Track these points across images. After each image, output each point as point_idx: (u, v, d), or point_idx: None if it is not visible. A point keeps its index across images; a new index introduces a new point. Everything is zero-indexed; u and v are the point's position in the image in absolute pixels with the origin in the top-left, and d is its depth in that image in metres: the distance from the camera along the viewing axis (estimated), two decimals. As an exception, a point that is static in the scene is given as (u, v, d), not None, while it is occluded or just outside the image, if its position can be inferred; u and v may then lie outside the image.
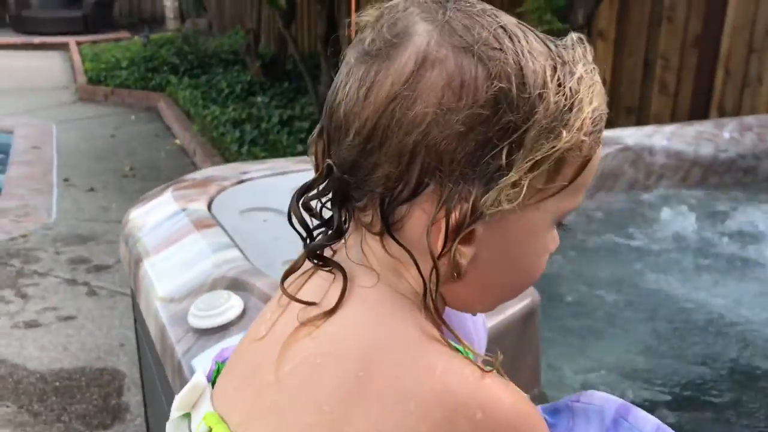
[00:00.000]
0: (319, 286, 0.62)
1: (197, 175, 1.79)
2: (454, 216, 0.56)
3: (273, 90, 6.18)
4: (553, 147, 0.55)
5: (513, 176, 0.55)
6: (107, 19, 11.44)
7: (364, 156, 0.57)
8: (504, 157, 0.55)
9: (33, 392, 2.56)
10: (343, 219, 0.61)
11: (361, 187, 0.59)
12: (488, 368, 0.58)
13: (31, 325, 2.99)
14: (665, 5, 4.17)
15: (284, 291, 0.63)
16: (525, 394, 0.60)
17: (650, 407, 1.68)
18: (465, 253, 0.58)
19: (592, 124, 0.57)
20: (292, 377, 0.59)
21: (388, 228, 0.58)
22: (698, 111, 3.96)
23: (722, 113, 3.81)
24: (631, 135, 2.36)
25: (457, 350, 0.64)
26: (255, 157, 4.62)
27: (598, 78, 0.60)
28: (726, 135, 2.47)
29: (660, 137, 2.38)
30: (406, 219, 0.58)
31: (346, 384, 0.57)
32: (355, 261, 0.62)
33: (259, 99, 5.86)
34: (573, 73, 0.58)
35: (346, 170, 0.59)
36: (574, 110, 0.56)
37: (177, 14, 10.60)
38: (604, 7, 4.42)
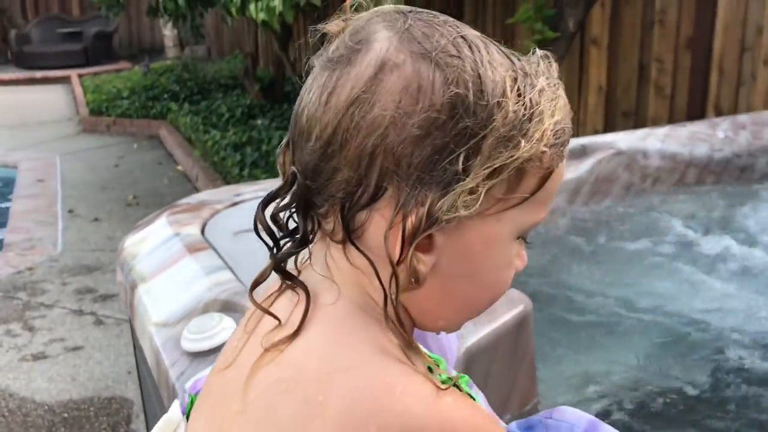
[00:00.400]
0: (285, 307, 0.62)
1: (191, 199, 1.81)
2: (411, 220, 0.56)
3: (273, 112, 6.22)
4: (512, 156, 0.56)
5: (470, 182, 0.55)
6: (108, 50, 11.55)
7: (325, 160, 0.58)
8: (461, 162, 0.55)
9: (42, 425, 2.56)
10: (309, 227, 0.62)
11: (322, 193, 0.59)
12: (447, 384, 0.58)
13: (39, 357, 3.00)
14: (656, 8, 4.19)
15: (252, 300, 0.63)
16: (486, 412, 0.61)
17: (645, 415, 1.68)
18: (424, 261, 0.58)
19: (554, 136, 0.58)
20: (257, 405, 0.59)
21: (349, 234, 0.58)
22: (695, 112, 3.97)
23: (719, 113, 3.81)
24: (623, 139, 2.36)
25: (430, 359, 0.64)
26: (256, 179, 4.65)
27: (562, 93, 0.60)
28: (720, 134, 2.47)
29: (654, 140, 2.38)
30: (367, 225, 0.58)
31: (307, 410, 0.57)
32: (319, 273, 0.62)
33: (259, 122, 5.90)
34: (534, 85, 0.58)
35: (308, 176, 0.59)
36: (534, 121, 0.57)
37: (176, 42, 10.70)
38: (595, 14, 4.44)
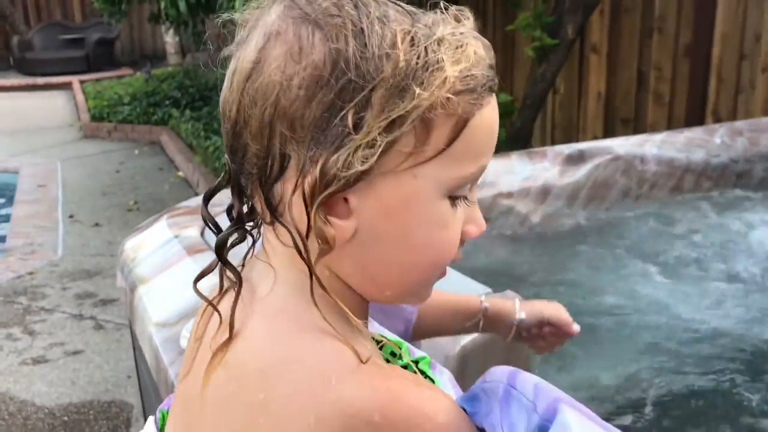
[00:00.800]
0: (229, 303, 0.61)
1: (191, 202, 1.82)
2: (308, 182, 0.55)
3: (273, 119, 6.23)
4: (408, 106, 0.54)
5: (363, 137, 0.54)
6: (109, 57, 11.59)
7: (236, 138, 0.59)
8: (351, 118, 0.55)
9: (42, 428, 2.57)
10: (245, 211, 0.62)
11: (243, 173, 0.60)
12: (397, 362, 0.57)
13: (39, 361, 3.01)
14: (655, 16, 4.21)
15: (197, 291, 0.62)
16: (440, 394, 0.59)
17: (646, 417, 1.69)
18: (341, 226, 0.57)
19: (460, 83, 0.56)
20: (212, 410, 0.59)
21: (271, 211, 0.58)
22: (694, 119, 3.99)
23: (717, 120, 3.83)
24: (621, 144, 2.38)
25: (392, 342, 0.66)
26: (257, 186, 4.66)
27: (473, 42, 0.58)
28: (717, 140, 2.48)
29: (651, 145, 2.40)
30: (285, 198, 0.58)
31: (251, 410, 0.56)
32: (260, 259, 0.62)
33: (259, 128, 5.91)
34: (432, 35, 0.56)
35: (230, 157, 0.60)
36: (431, 69, 0.55)
37: (178, 49, 10.74)
38: (595, 22, 4.47)
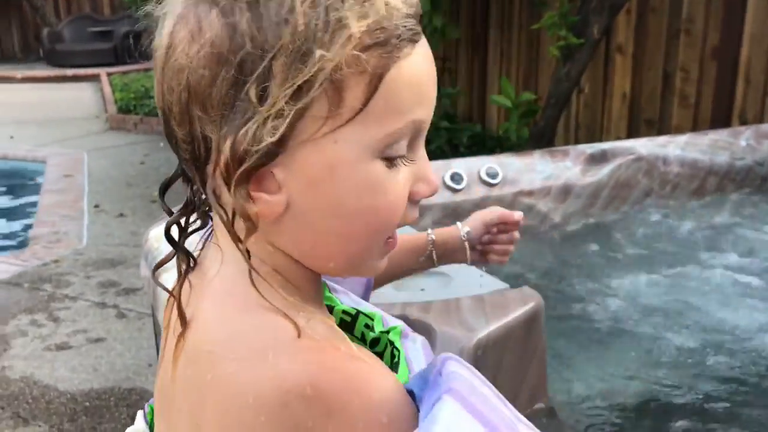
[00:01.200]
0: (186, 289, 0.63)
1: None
2: (222, 161, 0.55)
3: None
4: (312, 69, 0.53)
5: (268, 108, 0.54)
6: (137, 49, 11.71)
7: (167, 126, 0.60)
8: (254, 91, 0.54)
9: (64, 412, 2.62)
10: (194, 197, 0.64)
11: (180, 159, 0.61)
12: (369, 333, 0.57)
13: (62, 347, 3.07)
14: (683, 17, 4.18)
15: (156, 281, 0.65)
16: (376, 365, 0.57)
17: (656, 416, 1.68)
18: (269, 201, 0.57)
19: (369, 37, 0.54)
20: (179, 395, 0.60)
21: (207, 193, 0.60)
22: (719, 122, 3.95)
23: (744, 123, 3.79)
24: (644, 145, 2.37)
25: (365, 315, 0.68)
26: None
27: None
28: (742, 143, 2.46)
29: (674, 147, 2.38)
30: (216, 180, 0.58)
31: (203, 391, 0.57)
32: (212, 242, 0.63)
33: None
34: None
35: (170, 146, 0.61)
36: (332, 29, 0.54)
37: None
38: (621, 22, 4.44)
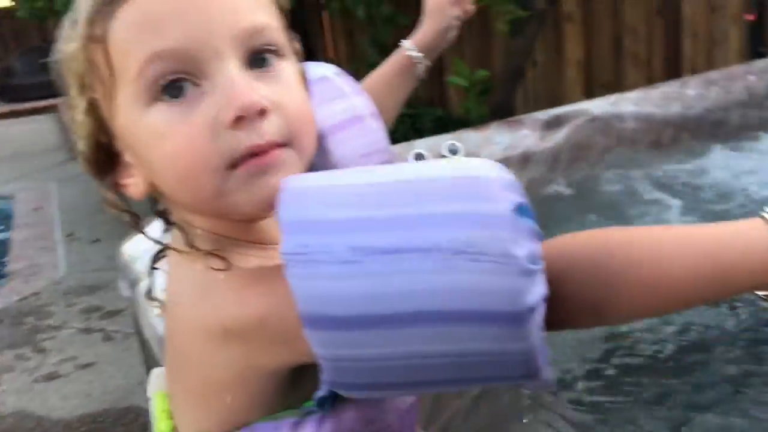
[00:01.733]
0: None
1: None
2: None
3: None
4: (66, 65, 0.65)
5: (69, 105, 0.66)
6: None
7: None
8: (74, 95, 0.66)
9: (61, 439, 2.63)
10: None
11: None
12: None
13: (52, 377, 3.06)
14: (625, -21, 4.25)
15: (148, 270, 0.73)
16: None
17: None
18: (132, 183, 0.67)
19: (90, 12, 0.61)
20: (168, 357, 0.71)
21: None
22: (672, 77, 4.03)
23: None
24: (597, 105, 2.43)
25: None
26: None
27: None
28: (691, 92, 2.53)
29: (627, 103, 2.44)
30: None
31: (169, 340, 0.68)
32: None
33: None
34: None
35: None
36: (73, 25, 0.64)
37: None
38: (566, -9, 4.50)
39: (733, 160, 2.46)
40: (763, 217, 0.56)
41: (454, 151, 2.19)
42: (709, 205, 2.31)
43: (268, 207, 0.59)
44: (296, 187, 0.55)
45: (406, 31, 1.14)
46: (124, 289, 1.75)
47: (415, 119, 5.43)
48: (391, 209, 0.52)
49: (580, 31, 4.58)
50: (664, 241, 0.57)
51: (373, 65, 1.10)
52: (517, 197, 0.53)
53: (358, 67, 4.00)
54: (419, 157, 2.18)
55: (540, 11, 3.87)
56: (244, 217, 0.63)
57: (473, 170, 0.54)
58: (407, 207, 0.52)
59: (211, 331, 0.59)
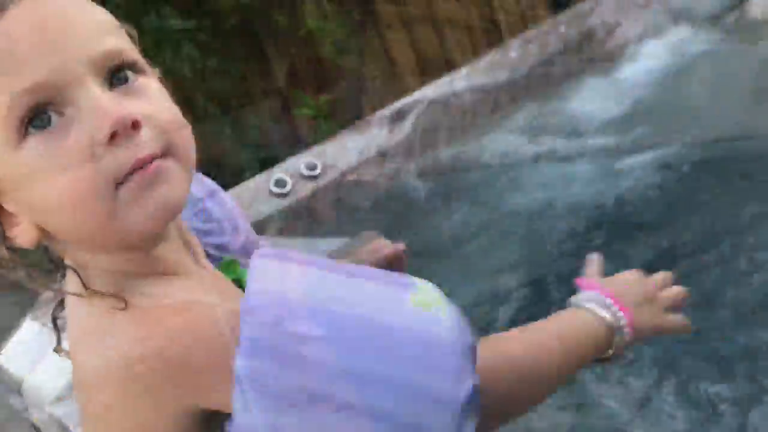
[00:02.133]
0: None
1: (44, 297, 1.80)
2: None
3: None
4: None
5: None
6: None
7: None
8: None
9: None
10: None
11: None
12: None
13: None
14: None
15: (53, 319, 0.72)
16: (211, 317, 0.58)
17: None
18: (21, 231, 0.63)
19: None
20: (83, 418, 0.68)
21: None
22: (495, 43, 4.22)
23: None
24: (432, 89, 2.53)
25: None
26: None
27: None
28: (513, 55, 2.68)
29: (458, 80, 2.56)
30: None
31: (78, 390, 0.65)
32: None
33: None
34: None
35: None
36: None
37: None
38: (379, 5, 4.64)
39: (568, 103, 2.62)
40: (580, 308, 0.81)
41: (311, 167, 2.23)
42: (565, 141, 2.45)
43: (162, 220, 0.60)
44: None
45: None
46: (17, 403, 1.65)
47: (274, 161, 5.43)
48: (349, 359, 0.55)
49: (400, 34, 4.72)
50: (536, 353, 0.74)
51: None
52: (472, 379, 0.57)
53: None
54: (279, 182, 2.19)
55: (359, 22, 3.97)
56: (140, 238, 0.61)
57: (434, 324, 0.58)
58: (365, 361, 0.55)
59: (120, 374, 0.57)
